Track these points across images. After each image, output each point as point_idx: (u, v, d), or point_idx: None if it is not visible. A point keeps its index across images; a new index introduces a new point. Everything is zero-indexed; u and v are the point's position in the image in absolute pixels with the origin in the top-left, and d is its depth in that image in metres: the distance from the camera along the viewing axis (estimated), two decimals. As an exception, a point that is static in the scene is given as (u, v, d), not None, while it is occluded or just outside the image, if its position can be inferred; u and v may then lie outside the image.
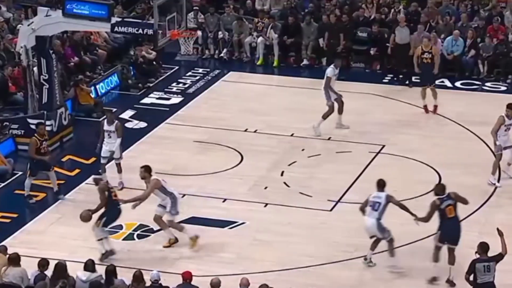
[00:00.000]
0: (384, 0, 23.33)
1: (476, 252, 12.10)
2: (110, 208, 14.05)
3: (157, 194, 14.29)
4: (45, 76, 17.86)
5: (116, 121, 16.47)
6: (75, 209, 15.48)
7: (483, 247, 12.10)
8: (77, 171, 17.21)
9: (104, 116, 16.54)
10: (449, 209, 13.41)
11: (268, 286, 11.75)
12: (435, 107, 19.42)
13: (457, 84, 21.28)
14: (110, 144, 16.31)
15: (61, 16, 17.35)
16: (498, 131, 16.23)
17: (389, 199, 13.87)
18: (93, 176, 15.06)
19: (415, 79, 21.49)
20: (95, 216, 14.04)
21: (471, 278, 12.11)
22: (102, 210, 14.03)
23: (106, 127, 16.34)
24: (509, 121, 16.34)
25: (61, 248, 14.25)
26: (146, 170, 14.35)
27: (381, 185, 13.94)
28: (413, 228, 14.41)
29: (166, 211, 14.31)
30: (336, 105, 18.33)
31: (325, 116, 18.24)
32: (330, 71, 18.27)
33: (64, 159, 17.75)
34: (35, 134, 16.06)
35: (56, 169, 17.25)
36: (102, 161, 16.47)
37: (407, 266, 13.96)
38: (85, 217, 13.99)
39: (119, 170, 16.36)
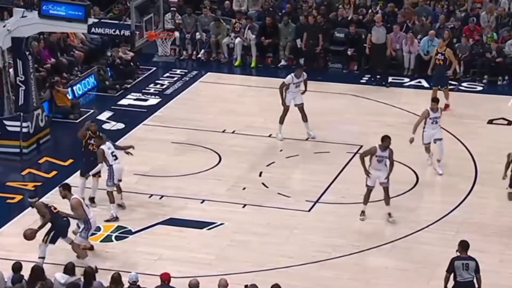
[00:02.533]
0: (361, 1, 23.39)
1: (457, 250, 12.15)
2: (56, 223, 13.67)
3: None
4: (22, 77, 17.74)
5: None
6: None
7: (463, 245, 12.16)
8: (54, 172, 17.11)
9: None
10: None
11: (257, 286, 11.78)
12: (446, 106, 19.47)
13: (442, 89, 21.36)
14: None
15: (37, 17, 17.24)
16: (425, 124, 16.60)
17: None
18: (28, 198, 14.21)
19: (393, 79, 21.61)
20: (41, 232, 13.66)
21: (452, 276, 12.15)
22: (48, 226, 13.61)
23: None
24: (434, 114, 16.65)
25: (38, 251, 14.13)
26: (65, 188, 13.88)
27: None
28: (394, 226, 14.49)
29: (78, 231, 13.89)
30: (288, 111, 18.08)
31: (281, 121, 18.15)
32: (288, 78, 18.12)
33: (41, 161, 17.64)
34: (85, 129, 15.67)
35: (33, 171, 17.19)
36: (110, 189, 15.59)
37: (385, 265, 14.00)
38: (30, 235, 13.56)
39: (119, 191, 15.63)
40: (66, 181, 16.32)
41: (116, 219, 15.18)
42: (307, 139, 18.32)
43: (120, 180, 15.29)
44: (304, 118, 18.26)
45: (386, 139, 15.13)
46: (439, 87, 19.63)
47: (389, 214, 15.18)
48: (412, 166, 17.11)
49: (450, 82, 20.63)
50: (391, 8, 22.87)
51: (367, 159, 15.02)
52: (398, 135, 18.48)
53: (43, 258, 13.62)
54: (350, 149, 17.74)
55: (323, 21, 22.60)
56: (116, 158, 15.21)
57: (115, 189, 15.32)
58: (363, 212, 15.27)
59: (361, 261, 14.10)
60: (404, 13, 22.78)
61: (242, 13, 23.48)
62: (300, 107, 18.18)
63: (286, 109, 18.17)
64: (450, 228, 14.89)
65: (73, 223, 14.00)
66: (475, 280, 12.07)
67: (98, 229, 14.83)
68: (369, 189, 15.12)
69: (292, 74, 18.23)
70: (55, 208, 13.83)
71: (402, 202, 15.86)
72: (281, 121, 18.18)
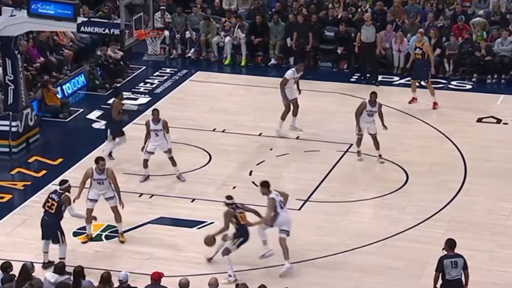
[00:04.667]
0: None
1: (443, 249, 12.18)
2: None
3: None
4: (11, 76, 17.67)
5: (162, 119, 16.31)
6: (41, 211, 15.30)
7: (450, 244, 12.19)
8: (43, 172, 17.05)
9: (152, 116, 16.40)
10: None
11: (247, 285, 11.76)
12: (434, 104, 19.54)
13: (423, 83, 21.38)
14: (158, 143, 16.25)
15: (26, 16, 17.17)
16: (360, 115, 16.92)
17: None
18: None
19: (383, 78, 21.63)
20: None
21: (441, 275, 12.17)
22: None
23: (152, 126, 16.27)
24: (371, 108, 16.86)
25: (27, 250, 14.10)
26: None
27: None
28: (384, 225, 14.50)
29: None
30: (291, 107, 18.25)
31: (283, 117, 18.22)
32: (290, 73, 18.21)
33: (30, 160, 17.58)
34: (116, 100, 17.09)
35: (22, 170, 17.13)
36: (146, 157, 16.33)
37: (376, 263, 14.01)
38: (210, 241, 13.46)
39: (174, 163, 16.36)
40: (56, 180, 16.30)
41: (147, 177, 16.21)
42: (297, 138, 18.30)
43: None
44: (295, 113, 18.28)
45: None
46: (419, 80, 19.78)
47: (380, 156, 16.96)
48: (401, 165, 17.12)
49: (439, 80, 20.68)
50: (380, 7, 22.88)
51: (361, 115, 16.72)
52: (387, 134, 18.53)
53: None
54: (340, 148, 17.74)
55: (313, 20, 22.59)
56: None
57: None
58: (359, 152, 17.07)
59: (352, 259, 14.10)
60: (394, 12, 22.80)
61: (232, 12, 23.45)
62: (295, 102, 18.23)
63: (289, 105, 18.17)
64: (440, 226, 14.91)
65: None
66: (463, 278, 12.09)
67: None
68: (359, 137, 16.96)
69: (293, 69, 18.30)
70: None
71: (392, 200, 15.89)
72: (283, 117, 18.19)
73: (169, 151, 16.41)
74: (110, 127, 17.29)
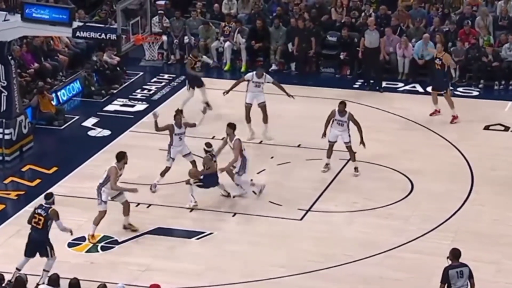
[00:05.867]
0: (354, 3, 23.47)
1: (447, 258, 12.19)
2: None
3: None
4: (4, 83, 17.71)
5: (183, 122, 16.67)
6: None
7: (455, 253, 12.20)
8: (38, 181, 17.08)
9: (174, 121, 16.70)
10: None
11: None
12: (453, 117, 19.40)
13: (429, 89, 21.40)
14: (180, 148, 16.50)
15: (20, 20, 17.22)
16: (330, 124, 17.04)
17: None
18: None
19: (386, 84, 21.67)
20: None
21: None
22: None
23: (177, 130, 16.46)
24: (340, 117, 16.96)
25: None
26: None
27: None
28: (388, 235, 14.51)
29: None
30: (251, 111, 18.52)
31: (264, 120, 18.50)
32: (248, 75, 18.63)
33: (24, 169, 17.60)
34: (190, 55, 19.96)
35: (15, 179, 17.15)
36: (169, 164, 16.54)
37: (379, 275, 14.02)
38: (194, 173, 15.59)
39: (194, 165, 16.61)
40: (50, 189, 16.33)
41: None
42: (298, 146, 18.34)
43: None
44: (265, 119, 18.44)
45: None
46: (439, 92, 19.60)
47: (355, 169, 16.95)
48: (406, 173, 17.15)
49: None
50: (384, 11, 22.94)
51: (331, 122, 17.03)
52: (391, 141, 18.57)
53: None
54: (343, 156, 17.76)
55: (314, 25, 22.65)
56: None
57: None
58: (326, 165, 17.02)
59: (355, 271, 14.12)
60: (398, 16, 22.86)
61: (232, 16, 23.51)
62: (262, 107, 18.38)
63: (246, 108, 18.40)
64: (446, 237, 14.92)
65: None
66: (469, 287, 12.10)
67: (82, 239, 14.82)
68: (330, 144, 17.10)
69: (254, 72, 18.56)
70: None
71: (396, 210, 15.91)
72: (248, 120, 18.42)
73: (190, 155, 16.55)
74: (188, 79, 19.86)
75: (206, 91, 19.64)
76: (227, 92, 18.61)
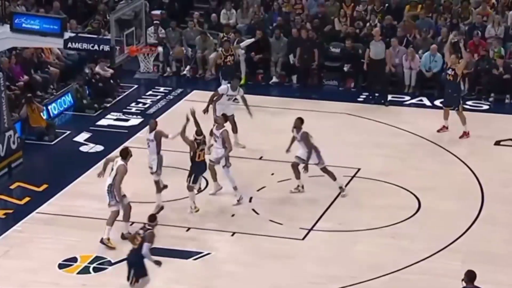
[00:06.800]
0: (358, 14, 23.56)
1: (462, 280, 12.15)
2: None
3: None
4: (-8, 96, 17.75)
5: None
6: (24, 241, 15.37)
7: (470, 276, 12.14)
8: (27, 199, 17.08)
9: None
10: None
11: None
12: (464, 133, 19.35)
13: (436, 102, 21.49)
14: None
15: (9, 31, 17.28)
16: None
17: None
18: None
19: (392, 97, 21.71)
20: None
21: None
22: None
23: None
24: (296, 133, 16.95)
25: (9, 283, 14.11)
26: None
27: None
28: (395, 256, 14.48)
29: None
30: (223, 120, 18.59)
31: (234, 130, 18.67)
32: (223, 88, 18.76)
33: (12, 187, 17.60)
34: (222, 49, 20.90)
35: (3, 197, 17.15)
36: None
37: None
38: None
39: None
40: (40, 208, 16.36)
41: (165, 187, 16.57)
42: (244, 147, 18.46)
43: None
44: (235, 130, 18.69)
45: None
46: (451, 107, 19.46)
47: (297, 186, 17.07)
48: (413, 190, 17.15)
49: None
50: (389, 21, 23.02)
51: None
52: (397, 157, 18.58)
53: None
54: (347, 173, 17.77)
55: (317, 35, 22.73)
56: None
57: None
58: (298, 186, 17.07)
59: (360, 293, 14.11)
60: (404, 27, 22.95)
61: (231, 27, 23.60)
62: (231, 119, 18.58)
63: (222, 119, 18.37)
64: (455, 258, 14.90)
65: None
66: None
67: (74, 260, 14.81)
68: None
69: (228, 85, 18.70)
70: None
71: (403, 229, 15.90)
72: (234, 130, 18.68)
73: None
74: (220, 70, 20.94)
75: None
76: (207, 110, 18.55)
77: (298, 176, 17.00)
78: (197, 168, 16.20)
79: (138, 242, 13.33)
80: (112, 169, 15.22)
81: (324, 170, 16.94)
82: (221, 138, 16.63)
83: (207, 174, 16.82)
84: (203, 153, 16.14)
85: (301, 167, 16.85)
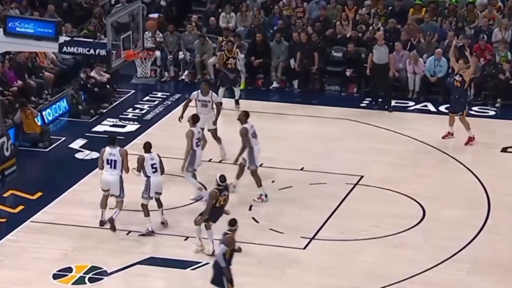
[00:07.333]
0: (361, 17, 23.61)
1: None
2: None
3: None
4: (-15, 101, 17.80)
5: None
6: (17, 251, 15.38)
7: None
8: (20, 207, 17.09)
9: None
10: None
11: None
12: (469, 139, 19.38)
13: (441, 108, 21.51)
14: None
15: (3, 35, 17.32)
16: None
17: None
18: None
19: (396, 103, 21.74)
20: None
21: None
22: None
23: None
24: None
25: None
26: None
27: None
28: (398, 266, 14.49)
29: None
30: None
31: (218, 142, 18.79)
32: (193, 94, 18.67)
33: (6, 195, 17.62)
34: (224, 50, 20.91)
35: (-3, 205, 17.20)
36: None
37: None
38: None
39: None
40: (34, 217, 16.39)
41: (151, 233, 15.79)
42: (302, 169, 18.38)
43: (159, 193, 16.02)
44: (218, 142, 18.72)
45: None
46: (457, 114, 19.44)
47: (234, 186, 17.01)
48: (417, 199, 17.18)
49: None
50: (393, 25, 23.06)
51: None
52: (401, 164, 18.60)
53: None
54: (349, 180, 17.81)
55: (318, 39, 22.77)
56: (156, 171, 15.87)
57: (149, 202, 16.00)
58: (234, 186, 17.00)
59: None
60: (408, 30, 22.99)
61: (230, 30, 23.64)
62: (213, 133, 18.49)
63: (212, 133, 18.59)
64: (461, 268, 14.93)
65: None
66: None
67: (69, 270, 14.83)
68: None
69: (198, 91, 18.56)
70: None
71: (407, 238, 15.92)
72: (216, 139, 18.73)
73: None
74: (219, 75, 21.22)
75: (221, 93, 20.78)
76: (182, 117, 18.53)
77: (259, 184, 17.11)
78: (213, 213, 15.18)
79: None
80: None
81: (253, 173, 17.03)
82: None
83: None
84: (224, 199, 15.22)
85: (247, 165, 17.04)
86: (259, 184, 17.10)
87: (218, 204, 15.09)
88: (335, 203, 17.05)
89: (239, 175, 17.25)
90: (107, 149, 16.07)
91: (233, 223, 13.58)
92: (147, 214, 15.90)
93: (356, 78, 22.60)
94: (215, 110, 18.48)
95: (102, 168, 16.06)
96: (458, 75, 19.47)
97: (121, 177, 15.88)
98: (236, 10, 24.43)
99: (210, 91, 18.54)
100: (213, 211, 15.07)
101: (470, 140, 19.49)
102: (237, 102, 21.21)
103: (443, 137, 19.70)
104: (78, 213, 16.43)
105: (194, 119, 17.07)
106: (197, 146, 16.96)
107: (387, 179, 17.82)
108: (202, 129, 18.02)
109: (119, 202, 15.96)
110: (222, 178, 15.10)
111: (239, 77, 21.49)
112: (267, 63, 23.04)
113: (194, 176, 16.98)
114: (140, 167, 15.90)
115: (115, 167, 15.94)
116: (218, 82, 21.11)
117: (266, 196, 17.03)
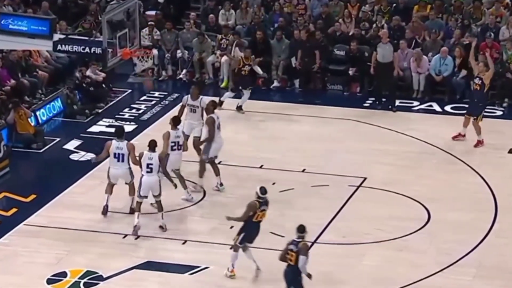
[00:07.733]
0: (364, 14, 23.57)
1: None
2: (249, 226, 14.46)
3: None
4: (-23, 101, 17.77)
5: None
6: (10, 255, 15.34)
7: None
8: (13, 210, 17.06)
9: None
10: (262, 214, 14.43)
11: None
12: (478, 142, 19.34)
13: (447, 108, 21.49)
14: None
15: (-5, 33, 17.30)
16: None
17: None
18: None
19: (400, 102, 21.71)
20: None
21: None
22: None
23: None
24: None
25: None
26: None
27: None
28: (403, 270, 14.46)
29: None
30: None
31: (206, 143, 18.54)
32: (183, 98, 18.42)
33: (-2, 197, 17.62)
34: (242, 56, 21.13)
35: (-11, 208, 17.16)
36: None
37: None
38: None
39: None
40: (28, 220, 16.35)
41: (136, 228, 15.79)
42: (303, 170, 18.36)
43: (155, 196, 16.01)
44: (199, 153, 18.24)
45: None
46: (473, 116, 19.30)
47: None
48: (422, 201, 17.14)
49: (464, 106, 20.71)
50: (397, 22, 23.01)
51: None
52: (406, 166, 18.56)
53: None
54: (352, 182, 17.77)
55: (320, 37, 22.74)
56: (151, 171, 15.86)
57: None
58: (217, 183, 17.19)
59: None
60: (413, 28, 22.95)
61: (229, 28, 23.62)
62: (196, 140, 17.93)
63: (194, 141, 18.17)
64: (467, 273, 14.89)
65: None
66: None
67: (63, 274, 14.79)
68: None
69: (189, 95, 18.28)
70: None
71: (411, 242, 15.88)
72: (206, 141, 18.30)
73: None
74: (233, 79, 21.50)
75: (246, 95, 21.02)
76: (179, 121, 18.39)
77: (217, 173, 17.26)
78: (250, 228, 14.57)
79: (293, 257, 13.30)
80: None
81: (201, 163, 17.10)
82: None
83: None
84: (263, 214, 14.57)
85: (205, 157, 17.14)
86: (201, 174, 17.21)
87: (255, 219, 14.42)
88: (337, 205, 17.01)
89: (216, 172, 17.28)
90: (114, 142, 16.17)
91: (302, 229, 13.41)
92: (138, 209, 15.94)
93: (359, 77, 22.58)
94: (204, 119, 17.85)
95: (104, 157, 16.41)
96: (477, 78, 19.32)
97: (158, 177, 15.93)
98: (236, 7, 24.40)
99: (200, 96, 18.13)
100: (250, 227, 14.45)
101: (480, 143, 19.43)
102: (240, 108, 21.07)
103: (453, 138, 19.63)
104: (73, 216, 16.38)
105: (175, 121, 16.96)
106: (172, 150, 16.70)
107: (391, 180, 17.78)
108: (188, 136, 17.81)
109: (158, 202, 16.02)
110: (263, 190, 14.39)
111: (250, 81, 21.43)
112: (268, 62, 23.00)
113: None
114: (138, 162, 16.00)
115: (122, 160, 16.16)
116: (241, 86, 21.04)
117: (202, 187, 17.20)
